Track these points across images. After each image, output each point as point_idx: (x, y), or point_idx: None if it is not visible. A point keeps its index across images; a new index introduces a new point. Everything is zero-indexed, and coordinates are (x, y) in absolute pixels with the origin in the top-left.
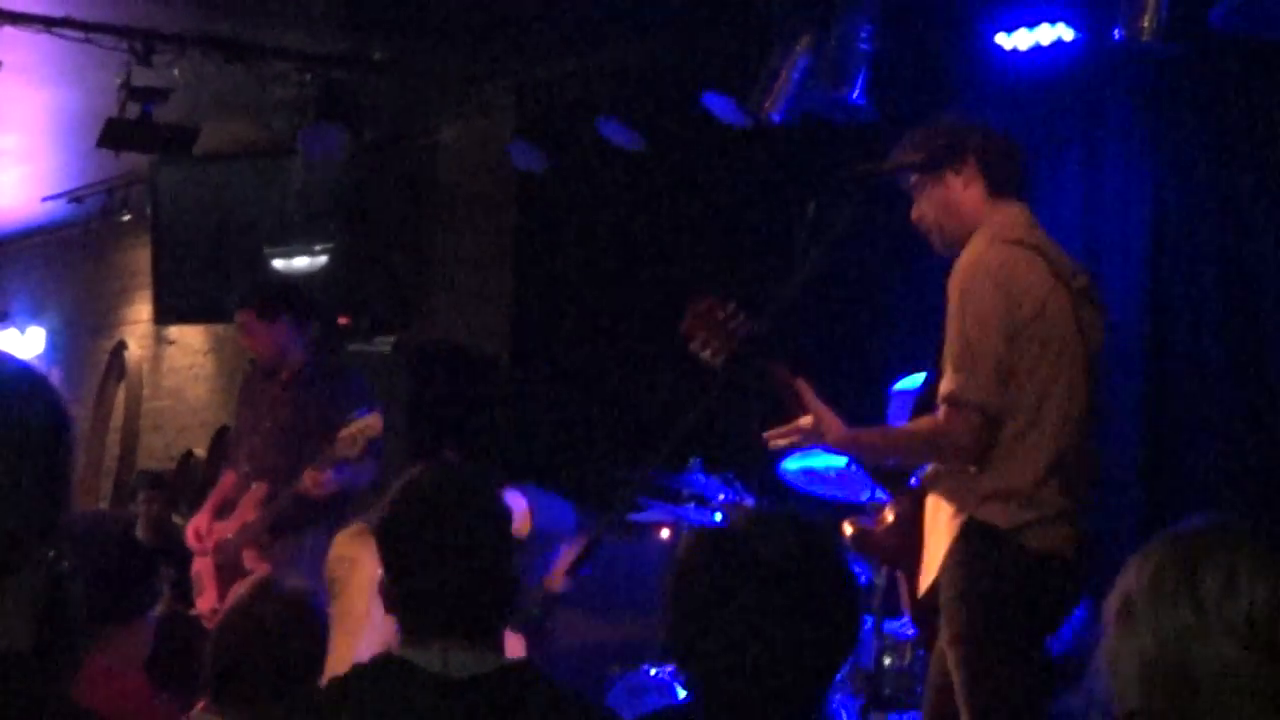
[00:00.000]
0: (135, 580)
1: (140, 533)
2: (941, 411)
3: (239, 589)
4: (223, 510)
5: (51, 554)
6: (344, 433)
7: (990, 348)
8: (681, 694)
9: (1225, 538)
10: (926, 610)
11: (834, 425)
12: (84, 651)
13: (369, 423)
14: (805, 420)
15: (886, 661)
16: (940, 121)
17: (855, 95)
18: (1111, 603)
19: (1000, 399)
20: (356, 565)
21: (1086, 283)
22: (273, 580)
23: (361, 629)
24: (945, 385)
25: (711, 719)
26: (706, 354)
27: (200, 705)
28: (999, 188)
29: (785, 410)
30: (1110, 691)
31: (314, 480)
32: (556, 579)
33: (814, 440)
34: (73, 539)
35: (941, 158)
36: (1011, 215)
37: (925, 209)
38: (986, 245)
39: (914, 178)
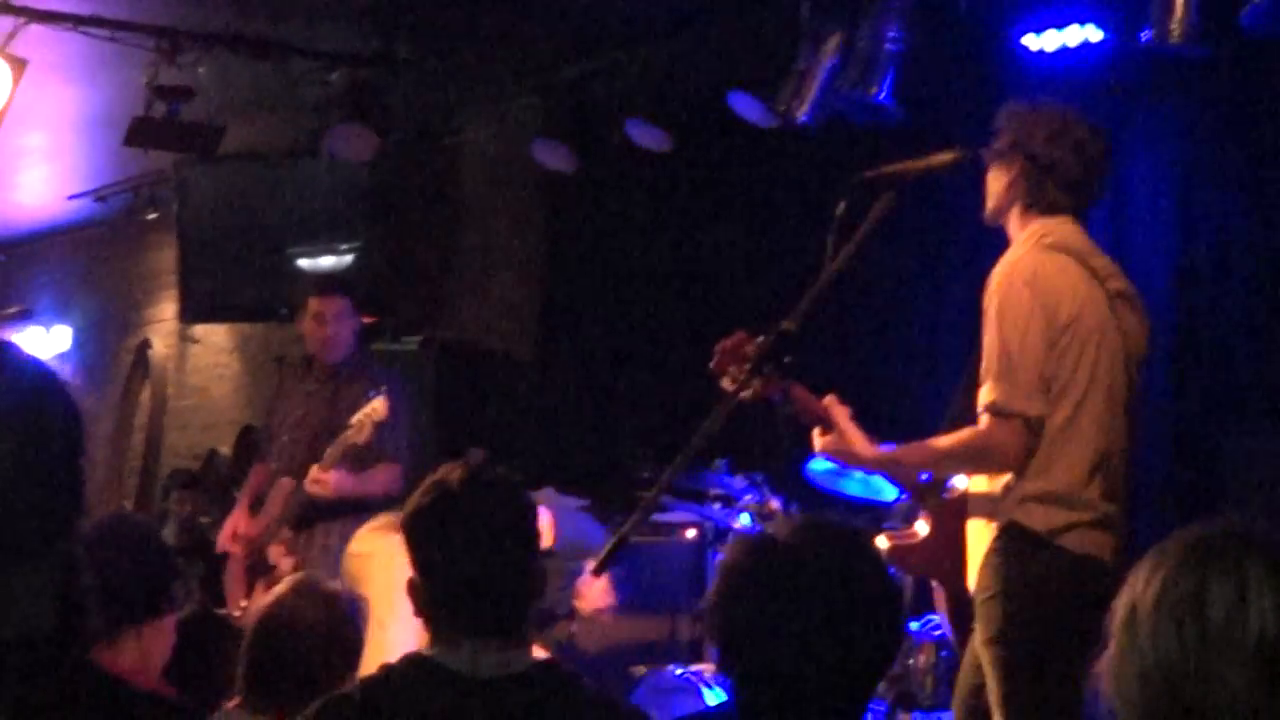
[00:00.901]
0: (155, 581)
1: (172, 533)
2: (985, 421)
3: (277, 587)
4: (255, 506)
5: (68, 546)
6: (353, 419)
7: (1031, 356)
8: (708, 695)
9: (1238, 547)
10: (965, 613)
11: (866, 445)
12: (94, 637)
13: (374, 406)
14: (828, 439)
15: (912, 662)
16: (1025, 111)
17: (882, 96)
18: (1117, 609)
19: (1043, 407)
20: (372, 560)
21: (1124, 286)
22: (310, 579)
23: (382, 625)
24: (988, 395)
25: None
26: (737, 389)
27: (233, 703)
28: (1037, 207)
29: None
30: (1111, 710)
31: (315, 479)
32: (587, 604)
33: (846, 459)
34: (95, 540)
35: (1003, 149)
36: (1051, 223)
37: (988, 179)
38: (1025, 250)
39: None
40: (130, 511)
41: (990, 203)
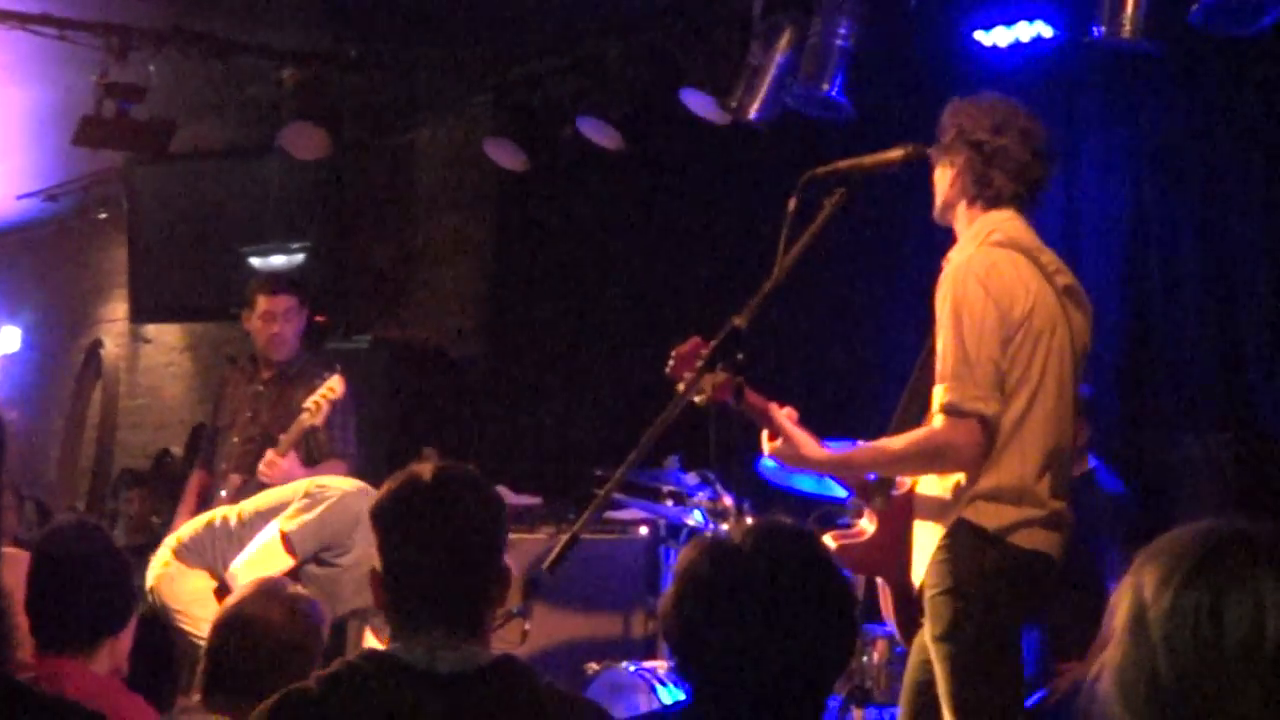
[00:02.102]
0: (129, 589)
1: (123, 533)
2: (940, 421)
3: (241, 588)
4: (199, 508)
5: None
6: (308, 400)
7: (987, 354)
8: (662, 692)
9: (1248, 554)
10: (911, 610)
11: (814, 448)
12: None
13: (331, 384)
14: (776, 444)
15: (865, 658)
16: (966, 105)
17: (834, 92)
18: (1120, 606)
19: (999, 406)
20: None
21: (1071, 281)
22: (274, 582)
23: None
24: (944, 395)
25: None
26: (693, 395)
27: (194, 699)
28: (982, 199)
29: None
30: (1113, 707)
31: (270, 464)
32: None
33: (795, 462)
34: (72, 554)
35: (947, 143)
36: (998, 218)
37: (935, 177)
38: (974, 249)
39: (939, 141)
40: (82, 518)
41: (938, 200)
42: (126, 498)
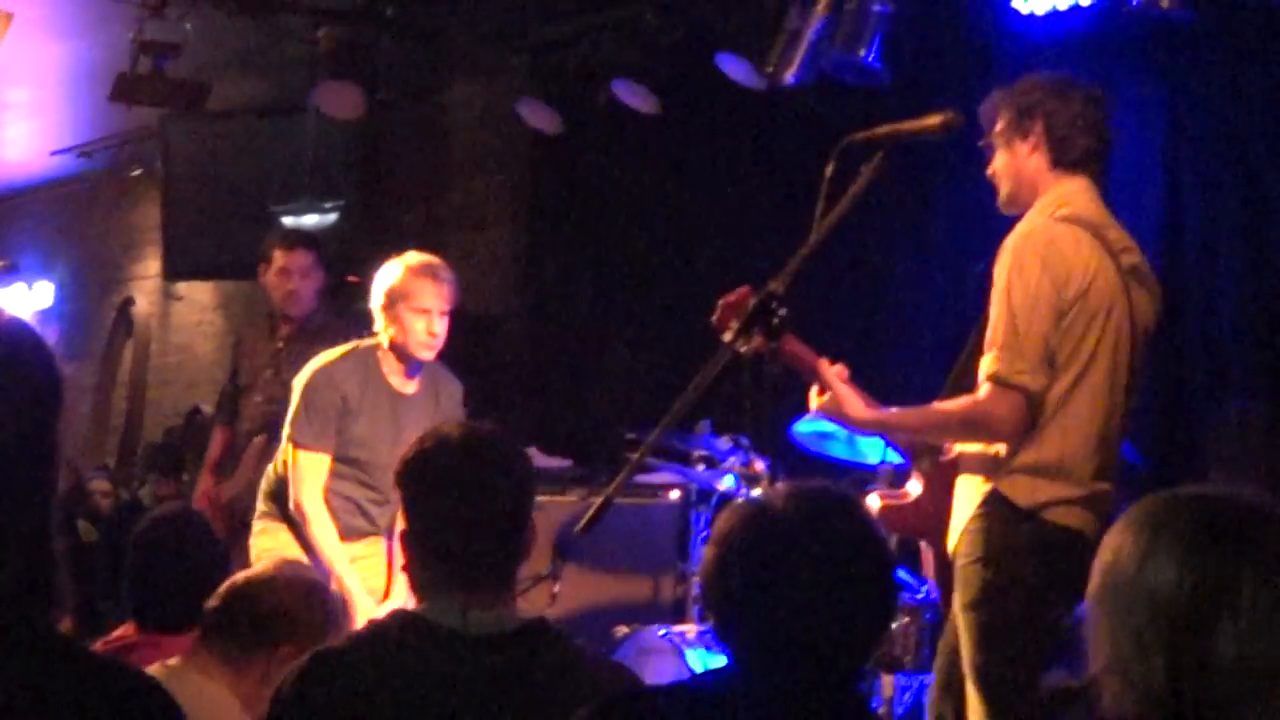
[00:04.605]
0: (222, 572)
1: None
2: (985, 390)
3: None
4: (224, 469)
5: (42, 509)
6: None
7: (1038, 330)
8: (691, 656)
9: (1194, 521)
10: (949, 575)
11: (862, 407)
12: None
13: None
14: (824, 399)
15: (895, 624)
16: (1029, 77)
17: (871, 58)
18: (1110, 571)
19: (1045, 379)
20: None
21: (1138, 261)
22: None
23: None
24: (991, 364)
25: (753, 689)
26: (740, 344)
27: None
28: (1063, 163)
29: (801, 379)
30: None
31: None
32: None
33: (841, 420)
34: (164, 542)
35: (1014, 120)
36: (1071, 189)
37: (996, 168)
38: (1039, 221)
39: (993, 131)
40: (182, 505)
41: (1006, 186)
42: (154, 484)
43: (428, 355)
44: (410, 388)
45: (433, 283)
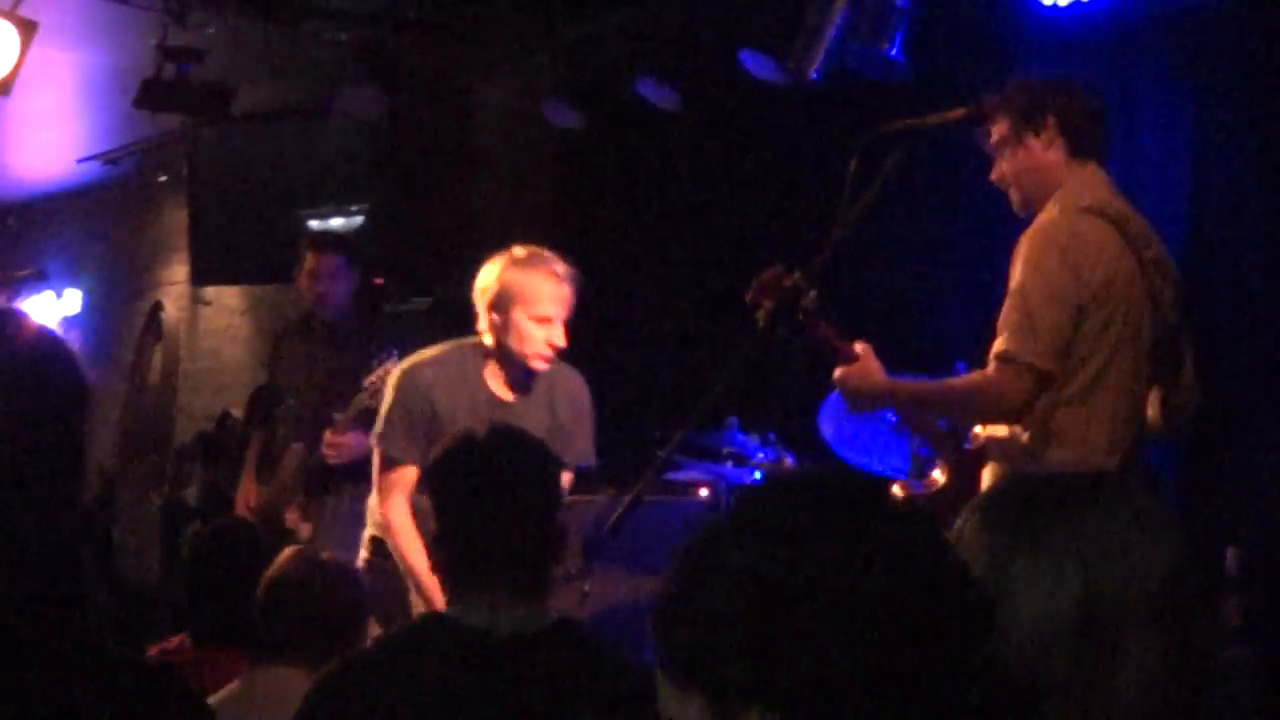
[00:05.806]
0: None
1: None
2: (992, 367)
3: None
4: (262, 473)
5: (67, 516)
6: (368, 379)
7: (1052, 318)
8: None
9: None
10: None
11: (879, 376)
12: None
13: (389, 366)
14: (848, 369)
15: None
16: (1022, 80)
17: (893, 52)
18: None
19: (1055, 364)
20: None
21: (1159, 253)
22: (308, 549)
23: None
24: (999, 345)
25: None
26: (768, 325)
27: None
28: (1080, 151)
29: (828, 370)
30: None
31: (331, 445)
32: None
33: (860, 390)
34: (220, 556)
35: (1021, 118)
36: (1088, 180)
37: (1005, 169)
38: (1059, 213)
39: (995, 137)
40: (238, 519)
41: (1021, 186)
42: (194, 468)
43: (542, 367)
44: (515, 394)
45: (555, 285)
